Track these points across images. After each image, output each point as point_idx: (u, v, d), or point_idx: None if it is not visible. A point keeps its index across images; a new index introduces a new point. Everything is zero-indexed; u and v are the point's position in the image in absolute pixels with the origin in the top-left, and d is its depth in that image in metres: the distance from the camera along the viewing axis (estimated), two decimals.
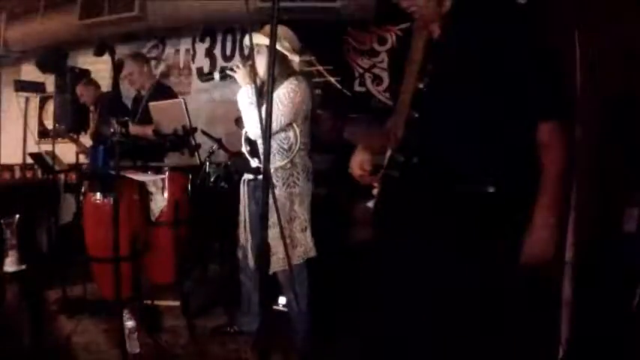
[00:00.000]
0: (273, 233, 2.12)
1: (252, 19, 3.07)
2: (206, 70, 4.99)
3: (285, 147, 2.23)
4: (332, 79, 4.64)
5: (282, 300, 2.76)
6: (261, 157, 2.21)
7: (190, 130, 2.83)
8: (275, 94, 2.15)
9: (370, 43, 4.67)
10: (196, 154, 2.97)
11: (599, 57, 1.89)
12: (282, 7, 1.19)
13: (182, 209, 3.07)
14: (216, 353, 2.38)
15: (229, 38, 4.95)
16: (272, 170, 2.21)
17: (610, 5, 1.88)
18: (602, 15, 1.91)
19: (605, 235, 1.81)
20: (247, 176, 2.39)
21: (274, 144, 2.20)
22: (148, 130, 3.12)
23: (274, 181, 2.21)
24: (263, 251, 1.30)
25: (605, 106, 1.88)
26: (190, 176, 3.32)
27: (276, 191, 2.21)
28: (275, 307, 2.75)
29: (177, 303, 2.89)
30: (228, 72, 2.24)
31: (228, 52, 4.96)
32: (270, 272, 2.16)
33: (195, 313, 2.78)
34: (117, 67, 3.35)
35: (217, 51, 4.97)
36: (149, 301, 2.74)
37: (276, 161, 2.21)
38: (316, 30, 4.57)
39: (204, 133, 3.54)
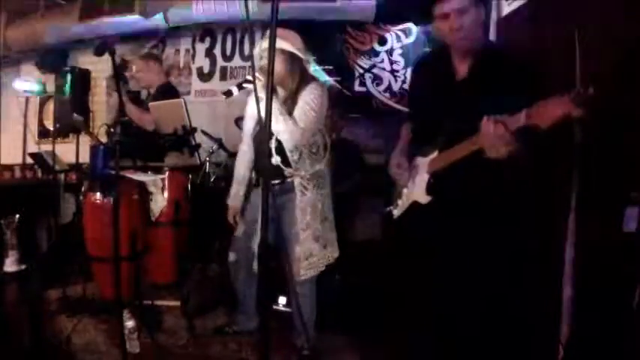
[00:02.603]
0: (306, 235, 2.15)
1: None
2: (206, 70, 5.00)
3: (314, 151, 2.25)
4: (332, 79, 4.65)
5: (282, 300, 2.76)
6: (293, 164, 2.20)
7: (190, 130, 2.83)
8: (302, 100, 2.16)
9: (370, 43, 4.68)
10: (196, 154, 2.97)
11: (599, 56, 1.89)
12: None
13: (182, 209, 3.07)
14: (216, 353, 2.38)
15: (229, 38, 4.96)
16: (306, 176, 2.23)
17: (610, 4, 1.88)
18: (602, 13, 1.91)
19: (605, 235, 1.80)
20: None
21: (305, 150, 2.21)
22: (148, 117, 3.11)
23: (306, 185, 2.23)
24: (263, 251, 1.29)
25: (605, 106, 1.88)
26: (190, 176, 3.32)
27: (308, 194, 2.23)
28: (275, 307, 2.75)
29: (177, 303, 2.89)
30: (244, 85, 2.15)
31: (228, 52, 4.97)
32: (308, 277, 2.22)
33: (195, 313, 2.78)
34: (120, 67, 3.34)
35: (217, 51, 4.98)
36: (149, 301, 2.74)
37: (307, 166, 2.22)
38: (316, 30, 4.59)
39: (204, 133, 3.55)
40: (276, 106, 2.10)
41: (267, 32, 2.18)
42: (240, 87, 2.16)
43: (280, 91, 2.24)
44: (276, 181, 2.25)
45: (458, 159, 1.57)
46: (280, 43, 2.09)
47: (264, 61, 2.19)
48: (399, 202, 1.85)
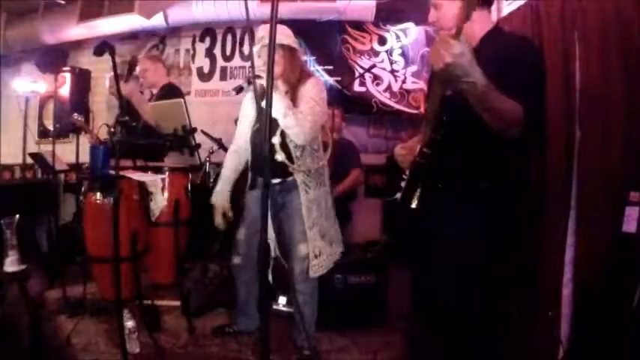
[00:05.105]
0: (313, 233, 2.14)
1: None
2: (206, 70, 5.00)
3: (315, 148, 2.24)
4: (332, 79, 4.64)
5: (282, 300, 2.76)
6: (295, 161, 2.18)
7: (190, 130, 2.83)
8: (306, 96, 2.14)
9: (370, 43, 4.68)
10: (196, 154, 2.97)
11: (599, 56, 1.89)
12: None
13: (182, 209, 3.07)
14: (216, 353, 2.38)
15: (229, 38, 4.96)
16: (307, 173, 2.21)
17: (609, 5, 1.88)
18: (601, 14, 1.91)
19: (606, 236, 1.81)
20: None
21: (307, 147, 2.20)
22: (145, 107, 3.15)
23: (308, 183, 2.21)
24: (263, 252, 1.30)
25: (605, 106, 1.88)
26: (190, 176, 3.32)
27: (312, 192, 2.22)
28: (275, 306, 2.75)
29: (177, 303, 2.89)
30: (253, 80, 2.14)
31: (228, 52, 4.97)
32: (317, 275, 2.20)
33: (195, 313, 2.78)
34: (133, 65, 3.36)
35: (217, 51, 4.98)
36: (149, 301, 2.74)
37: (308, 164, 2.20)
38: (316, 30, 4.59)
39: (204, 133, 3.55)
40: (284, 101, 2.08)
41: (260, 30, 2.20)
42: (249, 82, 2.12)
43: (281, 86, 2.22)
44: (277, 181, 2.22)
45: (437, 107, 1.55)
46: (279, 38, 2.07)
47: (263, 59, 2.18)
48: (403, 184, 1.79)
